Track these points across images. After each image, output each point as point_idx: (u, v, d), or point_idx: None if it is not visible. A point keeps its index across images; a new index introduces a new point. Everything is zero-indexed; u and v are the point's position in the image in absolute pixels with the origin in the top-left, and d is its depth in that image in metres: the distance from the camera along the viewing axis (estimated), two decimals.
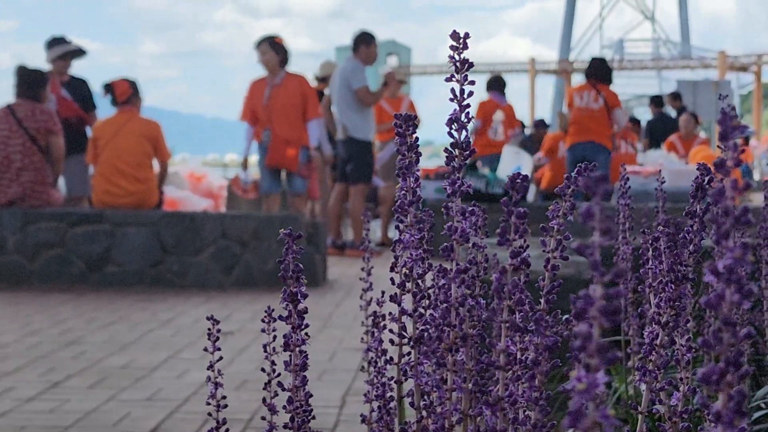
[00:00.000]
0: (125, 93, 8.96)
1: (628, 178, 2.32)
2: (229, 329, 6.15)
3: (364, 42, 10.71)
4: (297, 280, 0.99)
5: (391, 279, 1.02)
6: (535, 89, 50.11)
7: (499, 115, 12.91)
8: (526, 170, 11.04)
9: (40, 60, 10.06)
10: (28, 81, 8.66)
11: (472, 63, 0.79)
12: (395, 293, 0.98)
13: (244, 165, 10.85)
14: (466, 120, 0.95)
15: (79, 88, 10.02)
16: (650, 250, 1.19)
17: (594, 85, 11.08)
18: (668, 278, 0.85)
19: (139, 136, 8.79)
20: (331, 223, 10.83)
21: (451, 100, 0.85)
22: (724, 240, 0.73)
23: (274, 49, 9.69)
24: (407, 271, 0.96)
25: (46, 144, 8.52)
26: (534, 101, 50.69)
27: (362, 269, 2.12)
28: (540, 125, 17.21)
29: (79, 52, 10.13)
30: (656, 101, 16.29)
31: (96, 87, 10.39)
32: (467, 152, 0.79)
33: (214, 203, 11.55)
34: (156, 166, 9.11)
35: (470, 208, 1.04)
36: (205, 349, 1.63)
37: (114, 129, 8.79)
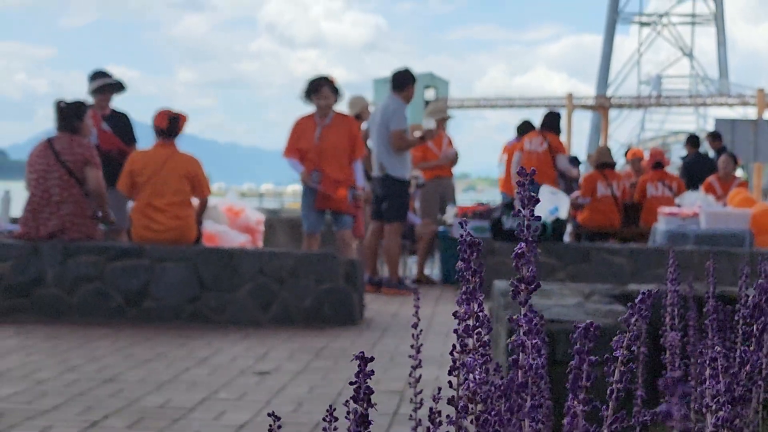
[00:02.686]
0: (181, 127, 9.05)
1: (677, 265, 2.26)
2: (266, 369, 6.17)
3: (408, 81, 10.76)
4: (368, 402, 0.99)
5: (450, 400, 1.02)
6: (572, 124, 50.01)
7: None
8: (563, 211, 11.02)
9: (76, 87, 10.27)
10: (65, 114, 8.72)
11: (538, 199, 0.81)
12: (455, 399, 0.99)
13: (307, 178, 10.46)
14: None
15: (120, 121, 10.11)
16: (708, 369, 1.19)
17: (542, 133, 12.72)
18: (725, 398, 0.86)
19: (181, 177, 8.84)
20: (367, 260, 10.84)
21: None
22: None
23: (334, 92, 9.71)
24: (470, 394, 0.97)
25: (84, 176, 8.58)
26: (571, 137, 50.57)
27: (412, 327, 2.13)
28: (573, 162, 17.13)
29: (118, 87, 10.23)
30: (692, 141, 16.21)
31: (137, 118, 10.49)
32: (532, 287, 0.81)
33: (251, 238, 11.59)
34: (195, 201, 9.15)
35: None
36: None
37: (155, 166, 8.83)
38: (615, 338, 0.84)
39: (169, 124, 8.94)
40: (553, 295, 5.15)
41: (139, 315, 8.33)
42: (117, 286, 8.38)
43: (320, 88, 9.72)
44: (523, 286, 0.84)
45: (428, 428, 1.25)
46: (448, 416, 1.06)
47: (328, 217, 10.26)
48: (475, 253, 0.95)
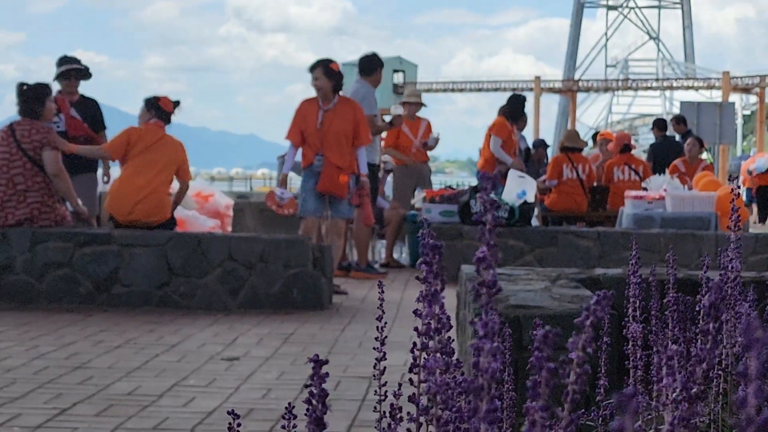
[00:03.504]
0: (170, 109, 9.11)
1: (641, 251, 2.30)
2: (234, 355, 6.19)
3: (376, 66, 10.77)
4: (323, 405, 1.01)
5: (411, 397, 1.05)
6: (539, 108, 50.18)
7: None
8: (531, 194, 11.08)
9: (44, 72, 10.16)
10: (26, 97, 8.66)
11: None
12: (414, 395, 1.02)
13: (283, 183, 10.72)
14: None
15: (88, 107, 10.07)
16: (664, 367, 1.23)
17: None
18: (682, 396, 0.89)
19: (168, 159, 8.88)
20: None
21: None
22: None
23: (327, 74, 9.60)
24: (431, 396, 1.00)
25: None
26: (538, 120, 50.74)
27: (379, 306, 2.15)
28: (541, 145, 17.15)
29: (83, 73, 10.15)
30: (659, 124, 16.29)
31: (106, 103, 10.46)
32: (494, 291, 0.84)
33: (220, 223, 11.60)
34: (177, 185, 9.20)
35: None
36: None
37: (147, 143, 8.88)
38: (570, 340, 0.87)
39: (174, 109, 9.06)
40: (519, 280, 5.19)
41: (108, 301, 8.33)
42: (86, 273, 8.37)
43: (313, 70, 9.69)
44: (484, 290, 0.87)
45: (389, 424, 1.28)
46: (408, 413, 1.09)
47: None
48: (437, 256, 0.98)
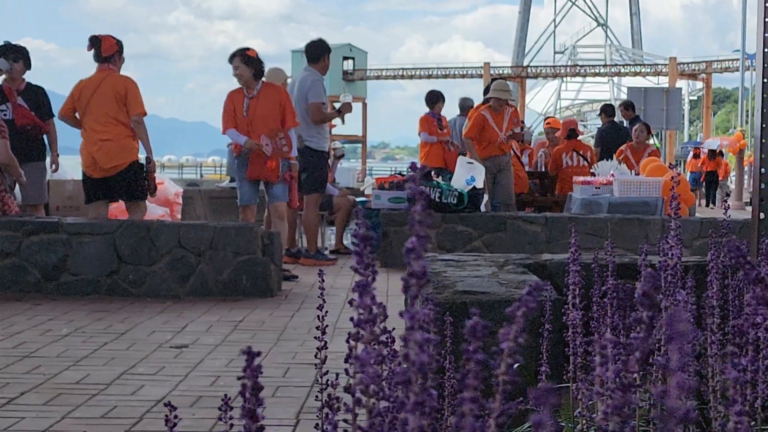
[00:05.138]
0: (110, 49, 9.02)
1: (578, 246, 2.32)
2: (183, 342, 6.19)
3: (323, 52, 10.75)
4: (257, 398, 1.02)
5: (347, 388, 1.07)
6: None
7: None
8: (480, 180, 11.14)
9: None
10: None
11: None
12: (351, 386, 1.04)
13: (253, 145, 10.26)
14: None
15: (35, 95, 9.96)
16: (597, 356, 1.26)
17: None
18: (615, 385, 0.91)
19: (110, 97, 8.85)
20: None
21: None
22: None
23: (246, 63, 9.59)
24: (363, 388, 1.02)
25: None
26: None
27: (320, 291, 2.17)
28: None
29: (21, 57, 9.94)
30: (607, 110, 16.40)
31: (55, 90, 10.38)
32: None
33: (170, 211, 11.55)
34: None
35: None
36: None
37: (91, 89, 8.86)
38: (501, 330, 0.89)
39: (91, 47, 9.02)
40: (467, 265, 5.23)
41: (56, 289, 8.29)
42: (34, 261, 8.32)
43: (232, 60, 9.70)
44: (414, 281, 0.88)
45: (327, 414, 1.31)
46: (345, 404, 1.12)
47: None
48: (368, 247, 1.00)
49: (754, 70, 6.89)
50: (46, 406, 4.57)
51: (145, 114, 9.10)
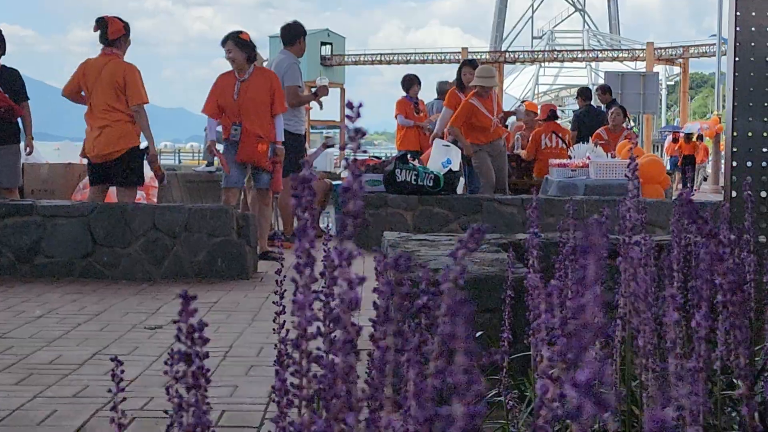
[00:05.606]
0: (116, 33, 8.95)
1: (536, 232, 2.31)
2: (158, 324, 6.18)
3: (298, 34, 10.72)
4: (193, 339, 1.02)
5: (293, 341, 1.07)
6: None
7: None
8: (456, 163, 11.15)
9: None
10: None
11: (364, 132, 0.83)
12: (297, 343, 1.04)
13: (211, 151, 10.27)
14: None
15: (9, 77, 9.89)
16: (543, 303, 1.26)
17: None
18: (562, 331, 0.91)
19: (108, 85, 8.80)
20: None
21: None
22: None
23: (239, 46, 9.58)
24: (302, 332, 1.02)
25: None
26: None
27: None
28: None
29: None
30: (584, 93, 16.44)
31: (32, 76, 10.31)
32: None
33: (146, 195, 11.52)
34: None
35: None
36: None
37: (95, 75, 8.82)
38: (441, 273, 0.89)
39: (97, 27, 8.96)
40: (441, 245, 5.24)
41: (30, 272, 8.26)
42: (8, 244, 8.28)
43: (225, 43, 9.68)
44: (350, 220, 0.88)
45: (276, 371, 1.30)
46: (293, 360, 1.12)
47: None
48: (306, 189, 0.99)
49: None
50: (18, 386, 4.56)
51: (146, 102, 9.07)
